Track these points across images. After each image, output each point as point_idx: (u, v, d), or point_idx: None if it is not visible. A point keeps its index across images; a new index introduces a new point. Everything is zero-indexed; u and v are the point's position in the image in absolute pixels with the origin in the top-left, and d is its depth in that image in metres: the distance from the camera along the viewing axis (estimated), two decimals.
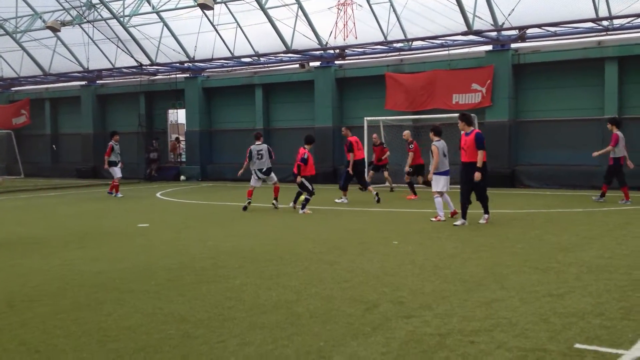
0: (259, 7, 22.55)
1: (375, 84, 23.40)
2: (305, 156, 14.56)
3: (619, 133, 15.04)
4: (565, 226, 11.43)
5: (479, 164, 11.58)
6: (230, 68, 27.27)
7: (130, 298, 6.68)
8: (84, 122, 31.07)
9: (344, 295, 6.63)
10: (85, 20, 26.32)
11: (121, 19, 25.54)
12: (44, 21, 27.41)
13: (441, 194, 12.53)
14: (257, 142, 15.59)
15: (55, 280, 7.64)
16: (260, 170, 15.34)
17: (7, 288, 7.27)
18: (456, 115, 19.65)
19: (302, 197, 14.56)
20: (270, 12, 22.85)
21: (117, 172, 19.98)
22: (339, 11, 23.67)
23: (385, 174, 19.91)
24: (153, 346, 5.08)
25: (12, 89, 34.27)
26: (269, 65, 26.36)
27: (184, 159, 29.79)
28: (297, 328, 5.49)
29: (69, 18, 26.65)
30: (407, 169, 17.98)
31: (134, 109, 29.74)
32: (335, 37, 23.49)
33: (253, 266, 8.27)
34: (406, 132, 18.83)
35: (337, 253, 9.14)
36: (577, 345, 4.90)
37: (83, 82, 31.02)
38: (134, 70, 28.08)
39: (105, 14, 25.94)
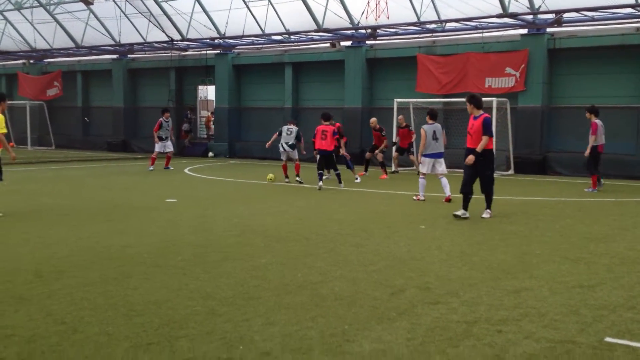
0: None
1: (406, 65, 23.12)
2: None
3: (597, 121, 15.11)
4: (597, 216, 11.21)
5: (478, 149, 10.57)
6: (261, 45, 27.15)
7: (157, 273, 6.71)
8: (115, 95, 31.27)
9: (369, 278, 6.58)
10: None
11: None
12: None
13: (424, 175, 13.11)
14: (289, 125, 17.11)
15: (83, 253, 7.70)
16: (286, 143, 16.54)
17: (35, 259, 7.36)
18: (489, 99, 19.59)
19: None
20: None
21: (157, 146, 20.81)
22: None
23: (412, 157, 19.91)
24: (178, 322, 5.09)
25: (45, 60, 34.60)
26: (299, 43, 26.18)
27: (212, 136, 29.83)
28: (322, 310, 5.46)
29: None
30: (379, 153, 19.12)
31: (164, 84, 29.86)
32: (367, 17, 23.19)
33: (279, 245, 8.25)
34: (373, 120, 19.61)
35: (364, 235, 9.09)
36: (608, 339, 4.80)
37: (115, 56, 31.17)
38: (165, 45, 28.12)
39: None
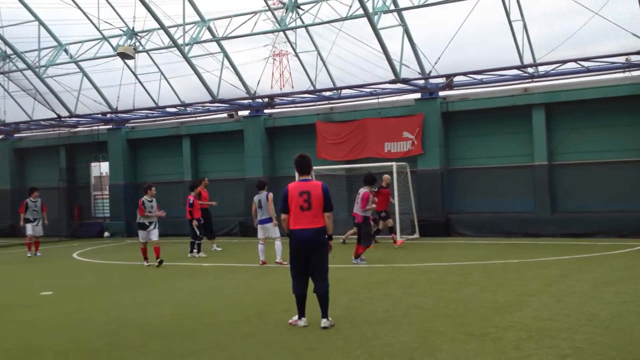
0: (182, 57, 21.72)
1: (306, 133, 22.80)
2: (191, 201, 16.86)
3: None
4: (502, 281, 10.82)
5: (285, 230, 8.17)
6: (156, 118, 26.26)
7: None
8: (1, 177, 29.26)
9: None
10: None
11: (37, 69, 24.27)
12: None
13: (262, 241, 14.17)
14: (147, 197, 15.59)
15: None
16: (150, 222, 15.44)
17: None
18: (389, 163, 19.32)
19: None
20: (195, 60, 22.07)
21: (27, 229, 19.22)
22: (275, 61, 23.23)
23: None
24: None
25: None
26: (196, 115, 25.50)
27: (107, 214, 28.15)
28: None
29: None
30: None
31: (55, 163, 28.17)
32: (272, 87, 22.96)
33: (156, 344, 7.25)
34: (386, 176, 17.79)
35: (256, 323, 8.22)
36: None
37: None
38: (53, 122, 26.70)
39: (21, 64, 24.63)
